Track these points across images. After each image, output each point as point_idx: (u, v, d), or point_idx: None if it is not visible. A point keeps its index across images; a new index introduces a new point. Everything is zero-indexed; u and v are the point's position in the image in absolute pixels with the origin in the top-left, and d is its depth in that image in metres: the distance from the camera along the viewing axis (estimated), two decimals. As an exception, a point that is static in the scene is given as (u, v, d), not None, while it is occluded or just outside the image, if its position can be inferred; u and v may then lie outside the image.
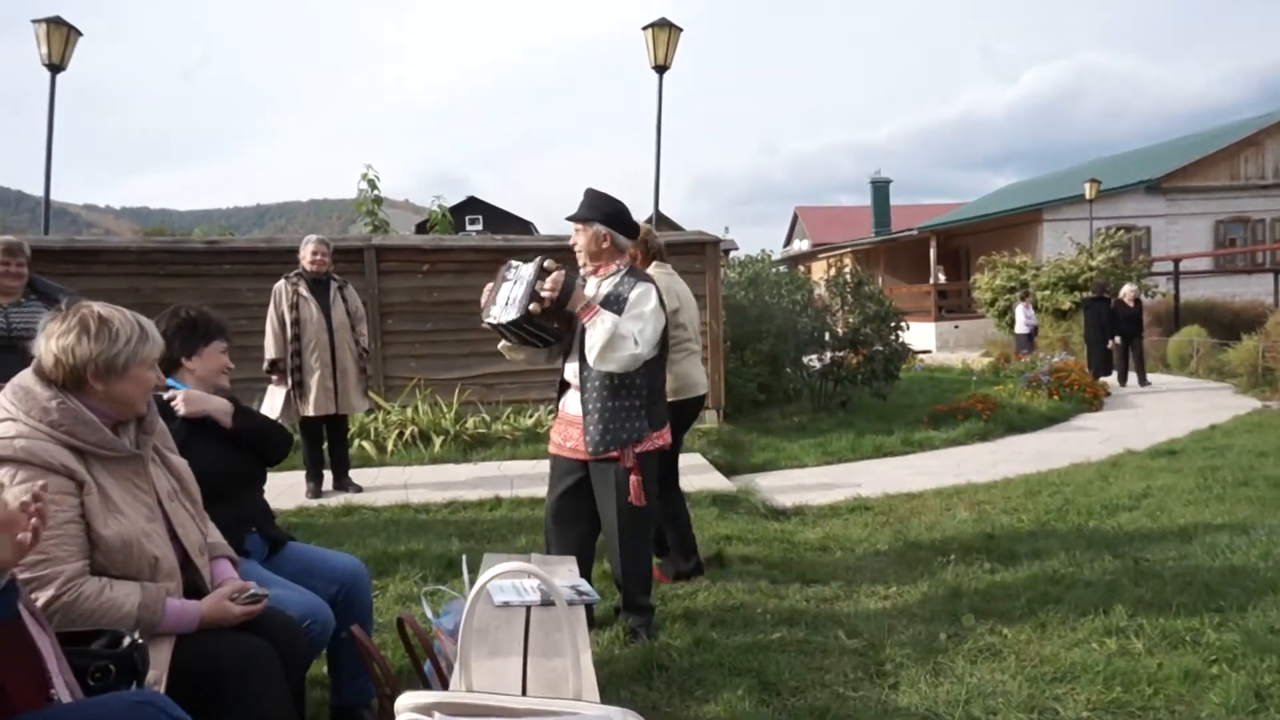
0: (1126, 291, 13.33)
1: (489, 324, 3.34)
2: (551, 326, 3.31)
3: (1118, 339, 12.99)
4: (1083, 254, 19.14)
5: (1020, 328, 16.68)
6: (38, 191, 9.41)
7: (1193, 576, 4.12)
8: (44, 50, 8.73)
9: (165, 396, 2.63)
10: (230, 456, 2.72)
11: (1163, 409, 10.74)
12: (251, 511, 2.76)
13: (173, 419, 2.59)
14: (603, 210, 3.38)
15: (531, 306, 3.18)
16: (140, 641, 1.76)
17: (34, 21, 8.79)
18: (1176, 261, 19.90)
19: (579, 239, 3.41)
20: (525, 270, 3.29)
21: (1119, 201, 22.82)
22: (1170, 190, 23.06)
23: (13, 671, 1.50)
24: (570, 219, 3.45)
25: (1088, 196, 20.69)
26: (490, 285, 3.39)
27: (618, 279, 3.39)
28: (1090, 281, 16.28)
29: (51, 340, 1.97)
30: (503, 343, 3.49)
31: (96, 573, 1.93)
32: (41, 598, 1.82)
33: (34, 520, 1.55)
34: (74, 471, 1.92)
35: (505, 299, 3.27)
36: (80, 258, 8.04)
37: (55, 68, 8.81)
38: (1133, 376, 13.08)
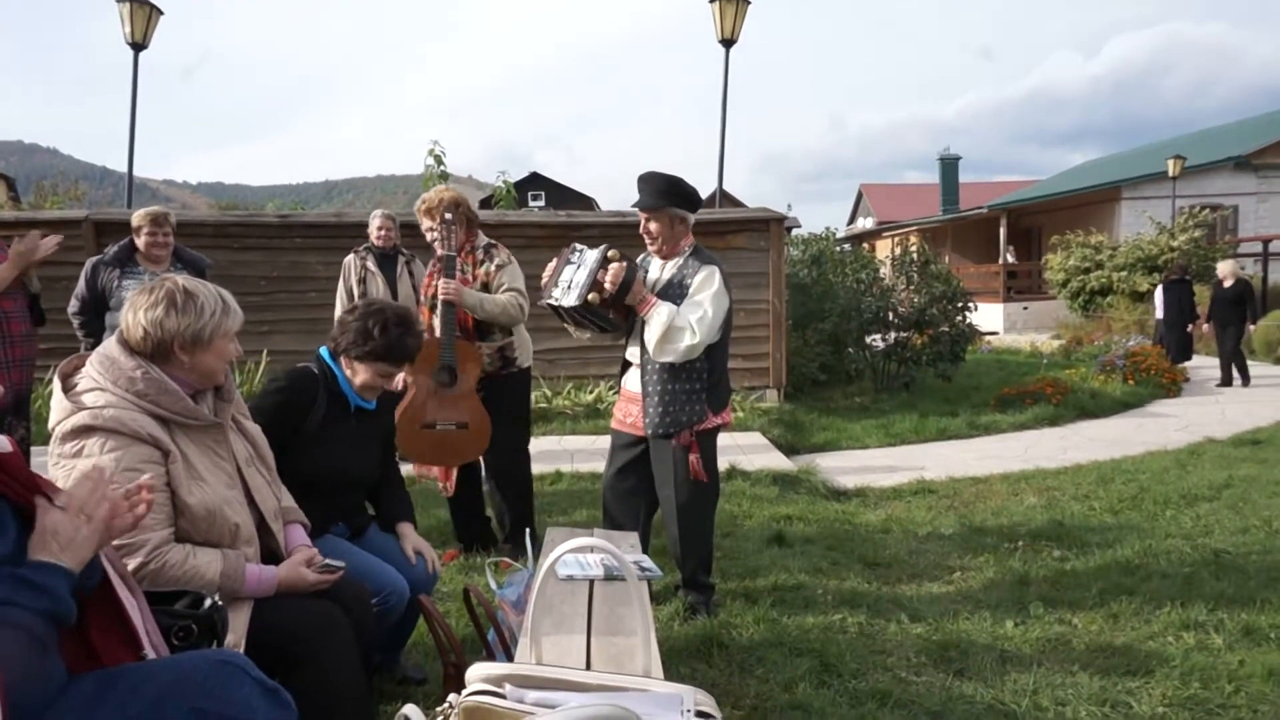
0: (1222, 269, 11.69)
1: (548, 304, 3.39)
2: (608, 315, 3.36)
3: (1206, 325, 12.00)
4: (1163, 234, 18.39)
5: (1162, 311, 13.36)
6: (119, 166, 9.75)
7: (1278, 571, 3.95)
8: (127, 30, 9.00)
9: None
10: (352, 460, 2.72)
11: (1245, 396, 10.29)
12: (346, 510, 2.77)
13: (314, 405, 2.60)
14: (671, 193, 3.34)
15: (590, 296, 3.24)
16: (220, 604, 1.82)
17: (118, 1, 9.06)
18: (1266, 242, 18.95)
19: (653, 226, 3.37)
20: (589, 256, 3.34)
21: (1204, 179, 21.76)
22: (1261, 167, 21.89)
23: (105, 635, 1.57)
24: (639, 207, 3.39)
25: (1171, 174, 19.79)
26: (553, 264, 3.43)
27: (682, 260, 3.38)
28: (1170, 263, 15.59)
29: (140, 313, 2.02)
30: (567, 322, 3.53)
31: (180, 539, 2.00)
32: (130, 564, 1.89)
33: (138, 510, 1.61)
34: (160, 440, 1.97)
35: (567, 282, 3.33)
36: (160, 231, 8.32)
37: (138, 46, 9.07)
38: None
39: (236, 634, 1.93)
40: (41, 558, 1.42)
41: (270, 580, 2.09)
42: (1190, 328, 12.33)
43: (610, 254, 3.30)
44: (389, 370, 2.70)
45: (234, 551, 2.05)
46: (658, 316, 3.22)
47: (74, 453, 1.91)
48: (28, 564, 1.42)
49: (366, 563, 2.56)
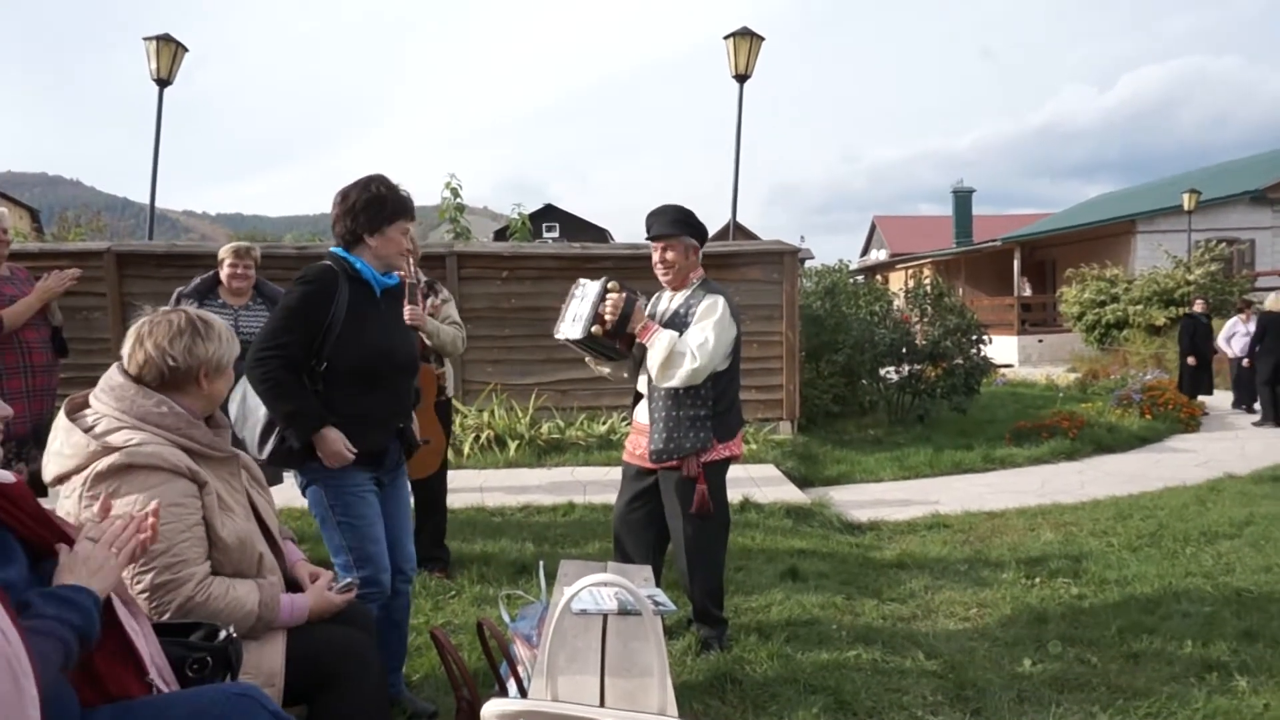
0: (1268, 303, 11.35)
1: (559, 339, 3.47)
2: (614, 345, 3.43)
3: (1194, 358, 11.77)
4: (1179, 267, 18.32)
5: (1238, 348, 12.18)
6: (141, 198, 9.93)
7: (1302, 611, 3.89)
8: (153, 66, 9.19)
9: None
10: (391, 341, 2.75)
11: (1265, 432, 10.16)
12: (406, 403, 2.84)
13: (338, 292, 2.61)
14: (685, 223, 3.43)
15: (594, 328, 3.31)
16: (235, 635, 1.82)
17: (145, 39, 9.26)
18: (1284, 276, 18.86)
19: (670, 254, 3.42)
20: (591, 289, 3.42)
21: (1220, 212, 21.70)
22: (1278, 201, 21.83)
23: (111, 661, 1.57)
24: (656, 237, 3.43)
25: (1186, 207, 19.76)
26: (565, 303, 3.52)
27: (690, 292, 3.44)
28: (1187, 297, 15.50)
29: (165, 342, 2.02)
30: (586, 356, 3.59)
31: (213, 573, 2.00)
32: (178, 599, 1.89)
33: (143, 536, 1.64)
34: (196, 474, 1.98)
35: (573, 315, 3.42)
36: (182, 262, 8.42)
37: (163, 82, 9.25)
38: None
39: (275, 663, 1.94)
40: (70, 582, 1.48)
41: (302, 608, 2.11)
42: (1191, 361, 12.10)
43: (610, 285, 3.38)
44: (408, 224, 2.72)
45: (267, 581, 2.07)
46: (659, 342, 3.28)
47: (110, 493, 1.87)
48: (63, 586, 1.47)
49: (373, 539, 2.65)
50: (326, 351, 2.58)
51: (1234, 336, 12.25)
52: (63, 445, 1.95)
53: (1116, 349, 17.56)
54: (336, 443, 2.56)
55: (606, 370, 3.64)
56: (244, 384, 2.66)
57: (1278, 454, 8.48)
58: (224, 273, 4.71)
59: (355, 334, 2.62)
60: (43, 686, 1.28)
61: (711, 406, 3.37)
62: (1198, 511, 6.07)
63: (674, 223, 3.42)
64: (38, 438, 4.49)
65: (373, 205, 2.66)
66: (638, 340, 3.39)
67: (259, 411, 2.60)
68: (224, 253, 4.75)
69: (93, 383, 2.16)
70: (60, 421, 2.00)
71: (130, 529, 1.57)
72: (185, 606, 1.89)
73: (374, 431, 2.69)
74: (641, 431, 3.51)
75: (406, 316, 4.11)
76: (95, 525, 1.57)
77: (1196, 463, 8.20)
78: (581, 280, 3.52)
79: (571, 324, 3.40)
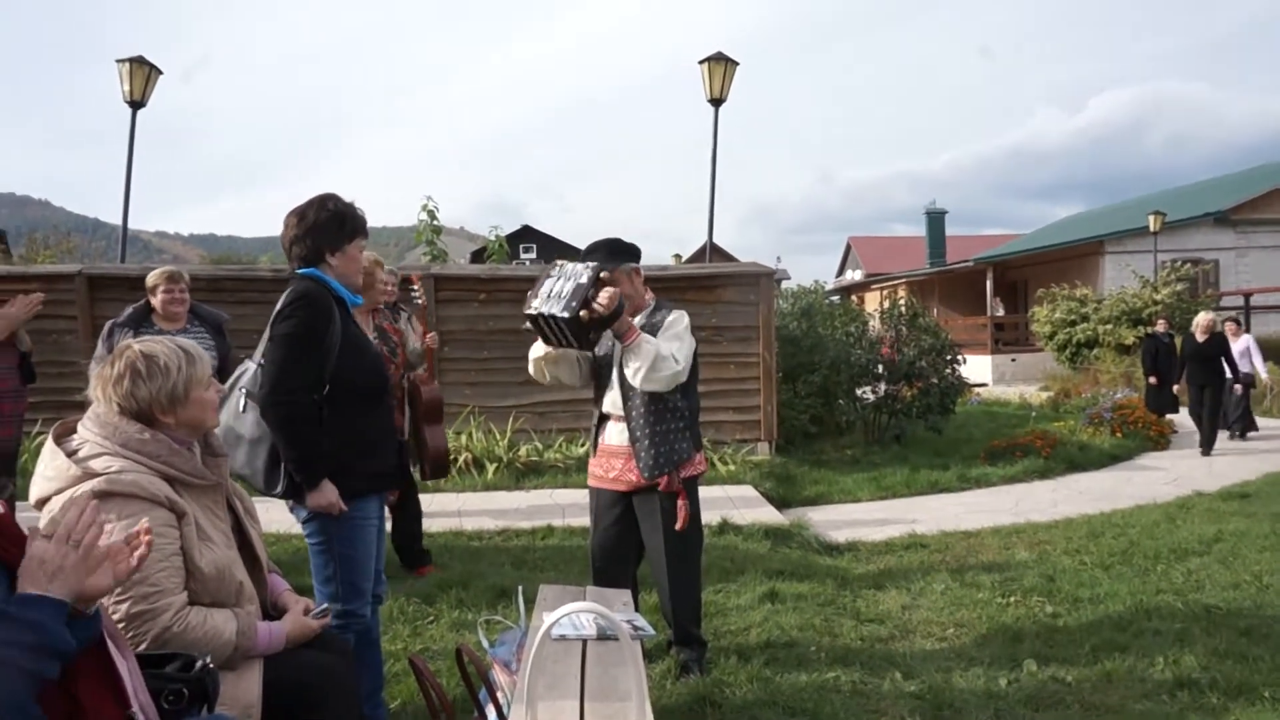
0: (1197, 322, 10.97)
1: (529, 313, 3.25)
2: (588, 336, 3.25)
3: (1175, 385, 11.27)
4: (1146, 287, 18.67)
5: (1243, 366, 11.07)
6: (112, 219, 9.84)
7: (1270, 628, 3.95)
8: (126, 88, 9.14)
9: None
10: (378, 355, 2.89)
11: (1233, 449, 10.34)
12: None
13: (331, 315, 2.58)
14: (620, 251, 3.43)
15: (581, 313, 3.11)
16: (211, 666, 1.81)
17: (118, 61, 9.21)
18: (1247, 296, 19.27)
19: (623, 289, 3.32)
20: (576, 269, 3.22)
21: (1185, 234, 22.19)
22: (1240, 222, 22.35)
23: (94, 692, 1.56)
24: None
25: (1152, 229, 20.18)
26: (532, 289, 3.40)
27: (649, 311, 3.49)
28: (1154, 316, 15.78)
29: (109, 388, 2.01)
30: (532, 352, 3.49)
31: (190, 602, 1.99)
32: (154, 629, 1.88)
33: (138, 551, 1.61)
34: (175, 503, 1.97)
35: (549, 292, 3.19)
36: (154, 284, 8.35)
37: (136, 104, 9.21)
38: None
39: (251, 694, 1.93)
40: (30, 590, 1.40)
41: (280, 635, 2.10)
42: (1153, 380, 12.16)
43: (603, 275, 3.21)
44: (365, 241, 2.75)
45: (244, 610, 2.06)
46: (646, 345, 3.21)
47: None
48: (13, 598, 1.39)
49: (365, 575, 2.68)
50: (329, 374, 2.54)
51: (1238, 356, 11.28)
52: (46, 468, 1.95)
53: (1087, 368, 17.83)
54: (331, 495, 2.54)
55: (548, 375, 3.54)
56: (228, 414, 2.61)
57: (1245, 471, 8.63)
58: (158, 299, 4.58)
59: (355, 353, 2.61)
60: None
61: (687, 417, 3.43)
62: (1168, 529, 6.16)
63: (610, 256, 3.38)
64: (5, 464, 4.42)
65: (333, 223, 2.64)
66: (618, 341, 3.28)
67: (263, 444, 2.56)
68: (157, 279, 4.61)
69: (64, 406, 2.15)
70: (47, 445, 1.99)
71: (84, 519, 1.48)
72: (162, 636, 1.88)
73: (388, 449, 2.74)
74: (614, 454, 3.50)
75: (430, 341, 4.71)
76: (49, 523, 1.50)
77: (1166, 480, 8.32)
78: (560, 261, 3.39)
79: (547, 300, 3.18)
